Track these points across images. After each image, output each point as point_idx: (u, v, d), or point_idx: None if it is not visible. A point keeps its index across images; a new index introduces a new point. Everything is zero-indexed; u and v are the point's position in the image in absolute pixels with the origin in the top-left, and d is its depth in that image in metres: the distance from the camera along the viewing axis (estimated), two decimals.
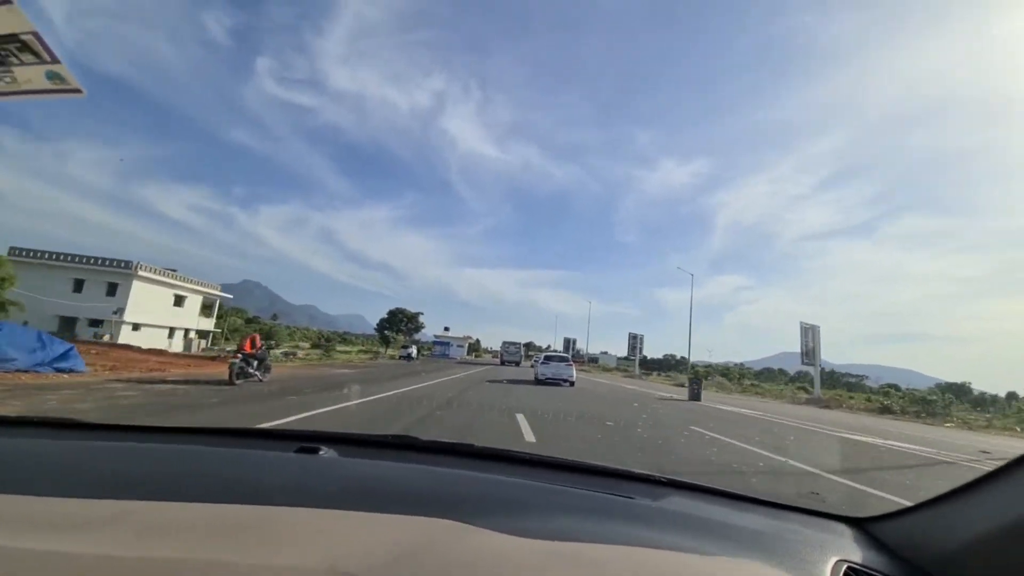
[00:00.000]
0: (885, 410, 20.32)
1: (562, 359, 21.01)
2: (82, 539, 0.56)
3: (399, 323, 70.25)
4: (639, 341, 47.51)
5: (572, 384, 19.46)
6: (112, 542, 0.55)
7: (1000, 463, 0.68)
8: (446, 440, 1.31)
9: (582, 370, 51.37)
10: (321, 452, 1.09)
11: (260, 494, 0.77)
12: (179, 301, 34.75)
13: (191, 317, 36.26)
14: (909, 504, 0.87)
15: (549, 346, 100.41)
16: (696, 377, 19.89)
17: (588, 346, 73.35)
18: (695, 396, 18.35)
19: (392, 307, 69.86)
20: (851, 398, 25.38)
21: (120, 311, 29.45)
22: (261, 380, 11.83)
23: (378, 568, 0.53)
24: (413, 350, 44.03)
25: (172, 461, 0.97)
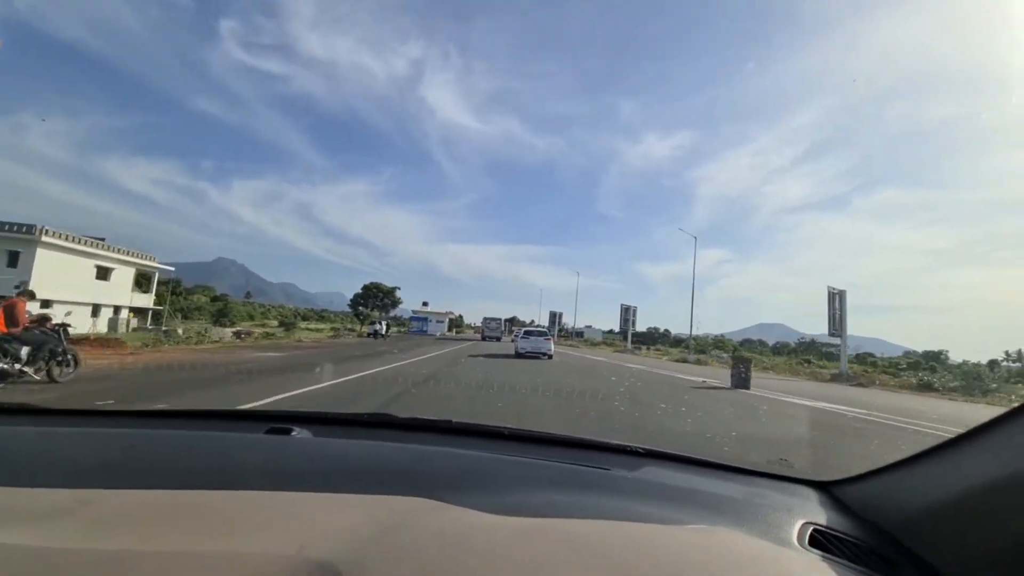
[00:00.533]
0: (926, 387, 17.55)
1: (540, 333, 21.93)
2: (33, 531, 0.53)
3: (375, 299, 65.74)
4: (632, 314, 43.62)
5: (550, 357, 19.80)
6: (66, 533, 0.52)
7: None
8: (424, 417, 1.30)
9: (570, 345, 48.16)
10: (294, 432, 1.06)
11: (228, 478, 0.75)
12: (104, 274, 29.78)
13: (121, 293, 31.39)
14: (875, 467, 0.88)
15: (533, 321, 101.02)
16: (743, 358, 14.56)
17: (576, 320, 69.08)
18: (742, 383, 12.50)
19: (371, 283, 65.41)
20: (881, 374, 22.50)
21: (23, 285, 24.53)
22: (38, 379, 7.05)
23: (348, 550, 0.51)
24: (382, 326, 39.72)
25: (134, 446, 0.93)
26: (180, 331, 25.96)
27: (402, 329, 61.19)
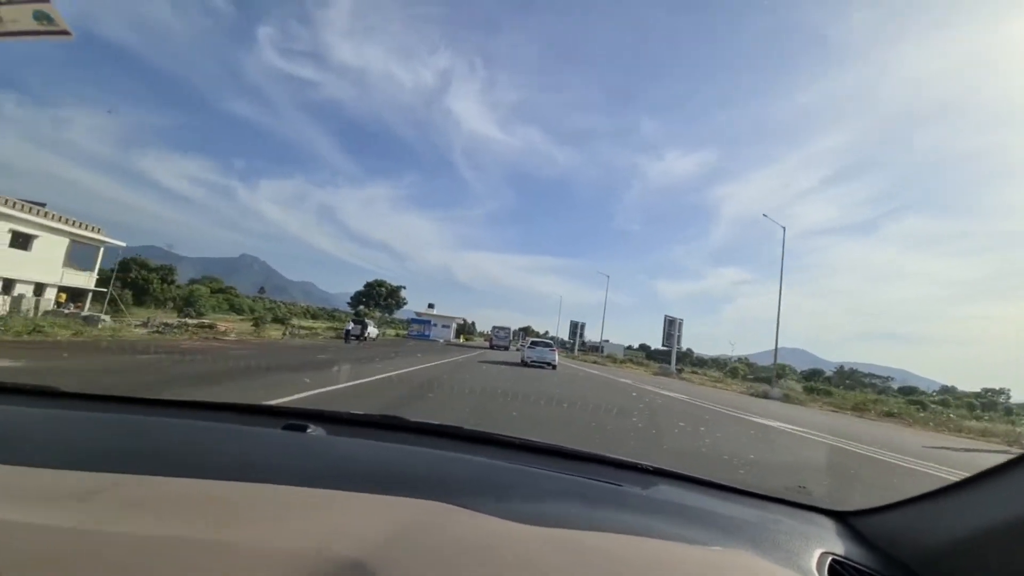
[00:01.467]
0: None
1: (546, 345, 22.67)
2: (56, 511, 0.53)
3: (377, 297, 59.80)
4: (677, 328, 33.41)
5: (554, 367, 20.49)
6: (89, 515, 0.53)
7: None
8: (435, 422, 1.31)
9: (593, 362, 39.89)
10: (309, 430, 1.08)
11: (246, 470, 0.76)
12: (21, 242, 23.99)
13: (49, 267, 25.62)
14: (893, 501, 0.87)
15: (547, 332, 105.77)
16: None
17: (602, 333, 59.46)
18: None
19: (385, 283, 58.53)
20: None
21: None
22: None
23: (370, 549, 0.51)
24: (365, 326, 29.99)
25: (155, 433, 0.95)
26: (107, 318, 20.53)
27: (401, 332, 54.19)
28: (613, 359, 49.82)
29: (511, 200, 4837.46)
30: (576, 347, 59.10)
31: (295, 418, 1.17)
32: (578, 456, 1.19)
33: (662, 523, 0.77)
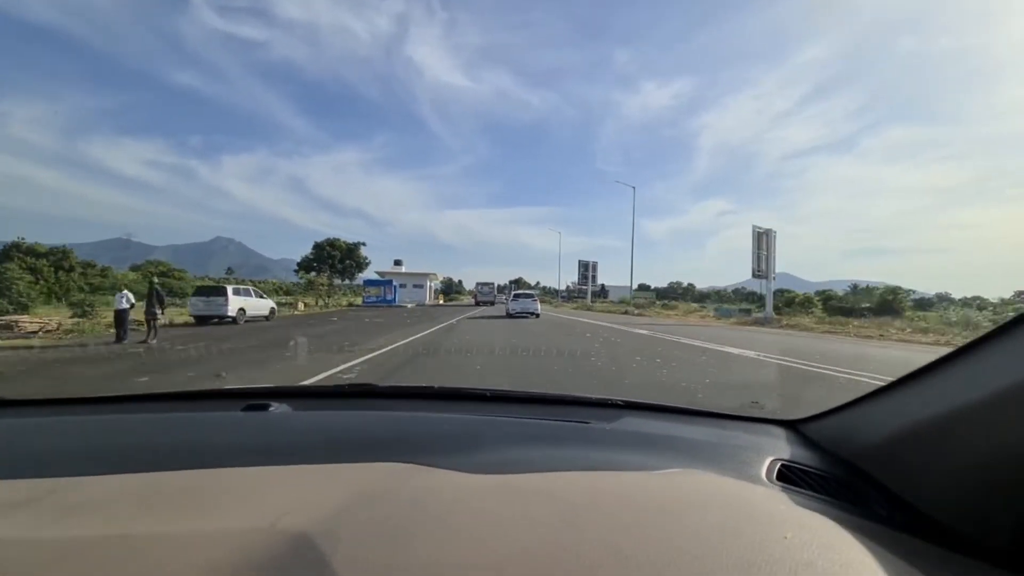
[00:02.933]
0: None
1: (528, 296, 23.56)
2: None
3: (332, 260, 47.66)
4: (592, 269, 34.66)
5: (537, 316, 21.39)
6: (33, 524, 0.52)
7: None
8: (404, 384, 1.33)
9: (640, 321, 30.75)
10: (272, 408, 1.05)
11: (203, 458, 0.74)
12: None
13: None
14: (838, 404, 0.93)
15: (539, 283, 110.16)
16: None
17: (633, 275, 42.38)
18: None
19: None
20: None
21: None
22: None
23: (324, 519, 0.52)
24: (236, 300, 17.08)
25: (102, 433, 0.92)
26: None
27: (355, 302, 41.06)
28: (630, 304, 37.88)
29: (487, 152, 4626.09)
30: (590, 292, 47.36)
31: (257, 398, 1.13)
32: (548, 400, 1.24)
33: (626, 455, 0.82)
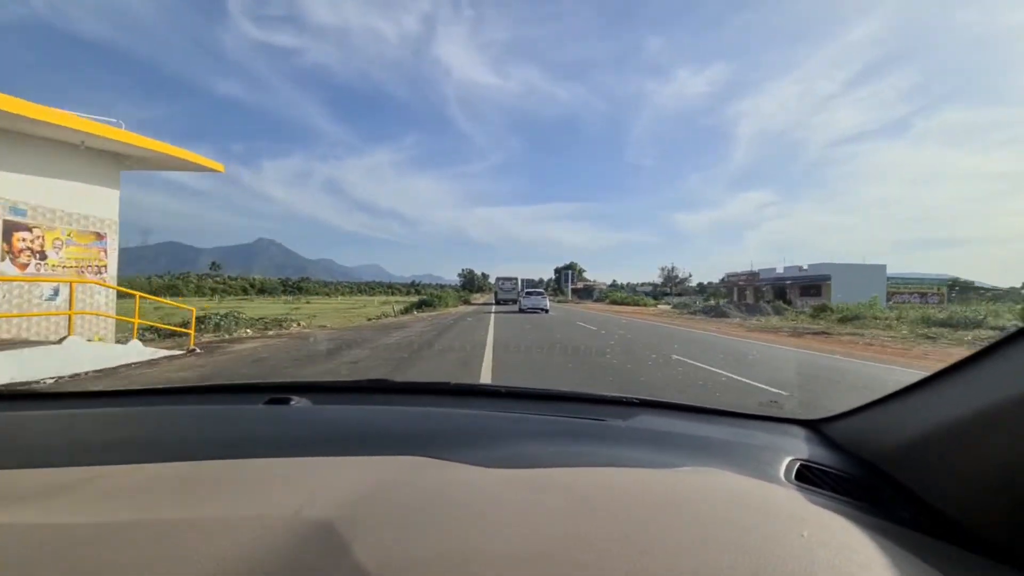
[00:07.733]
0: None
1: (538, 293, 27.26)
2: (37, 509, 0.54)
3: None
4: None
5: (547, 311, 24.74)
6: (70, 510, 0.54)
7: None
8: (420, 380, 1.28)
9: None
10: (293, 402, 1.09)
11: (228, 449, 0.76)
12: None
13: None
14: (860, 404, 0.90)
15: (541, 278, 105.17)
16: None
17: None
18: None
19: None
20: None
21: None
22: None
23: (343, 508, 0.53)
24: None
25: (134, 424, 0.96)
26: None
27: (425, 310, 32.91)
28: (683, 306, 37.08)
29: (517, 148, 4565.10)
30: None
31: (278, 392, 1.16)
32: (564, 397, 1.22)
33: (642, 452, 0.81)
